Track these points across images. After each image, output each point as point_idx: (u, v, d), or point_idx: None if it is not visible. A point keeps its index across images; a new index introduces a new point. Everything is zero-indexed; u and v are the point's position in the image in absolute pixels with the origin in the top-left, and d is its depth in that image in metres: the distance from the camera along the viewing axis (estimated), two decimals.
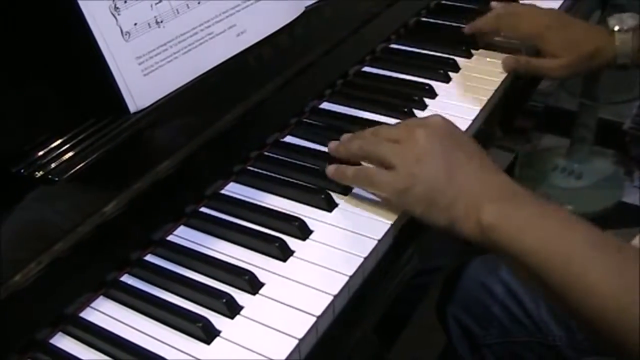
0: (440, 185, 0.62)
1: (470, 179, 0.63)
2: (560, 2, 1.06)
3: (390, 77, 0.91)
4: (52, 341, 0.58)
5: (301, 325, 0.56)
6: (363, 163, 0.69)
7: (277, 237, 0.64)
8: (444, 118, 0.68)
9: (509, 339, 0.89)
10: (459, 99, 0.85)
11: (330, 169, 0.70)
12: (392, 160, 0.64)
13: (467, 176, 0.63)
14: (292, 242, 0.64)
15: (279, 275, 0.61)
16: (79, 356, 0.56)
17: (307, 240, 0.65)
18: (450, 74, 0.90)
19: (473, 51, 0.95)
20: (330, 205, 0.68)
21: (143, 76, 0.67)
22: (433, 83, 0.87)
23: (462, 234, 0.61)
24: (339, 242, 0.64)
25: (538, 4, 1.04)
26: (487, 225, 0.59)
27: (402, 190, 0.63)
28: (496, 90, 0.86)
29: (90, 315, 0.60)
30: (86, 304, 0.60)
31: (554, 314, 0.85)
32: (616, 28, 0.88)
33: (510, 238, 0.58)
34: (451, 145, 0.65)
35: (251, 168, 0.75)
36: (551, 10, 0.94)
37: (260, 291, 0.60)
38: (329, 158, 0.72)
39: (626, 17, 0.88)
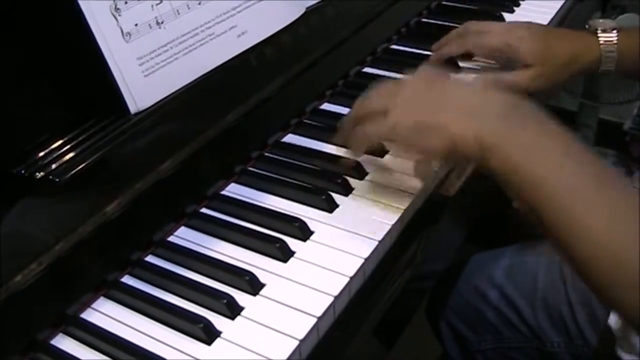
0: (429, 103, 0.60)
1: (464, 94, 0.61)
2: (561, 2, 1.06)
3: (391, 78, 0.91)
4: (53, 342, 0.58)
5: (302, 326, 0.56)
6: None
7: (277, 238, 0.64)
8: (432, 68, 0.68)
9: (503, 345, 0.88)
10: None
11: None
12: (384, 107, 0.63)
13: (461, 92, 0.61)
14: (292, 243, 0.64)
15: (280, 276, 0.61)
16: (80, 357, 0.56)
17: (308, 241, 0.65)
18: (452, 75, 0.89)
19: None
20: (331, 206, 0.68)
21: (144, 77, 0.67)
22: None
23: (464, 153, 0.59)
24: (340, 243, 0.64)
25: (539, 4, 1.05)
26: (488, 145, 0.56)
27: (395, 125, 0.61)
28: None
29: (91, 316, 0.60)
30: (87, 304, 0.60)
31: (551, 320, 0.84)
32: (599, 28, 0.84)
33: (511, 162, 0.55)
34: (441, 80, 0.64)
35: (252, 169, 0.75)
36: (526, 23, 0.89)
37: (261, 292, 0.60)
38: (329, 159, 0.72)
39: (606, 21, 0.85)
